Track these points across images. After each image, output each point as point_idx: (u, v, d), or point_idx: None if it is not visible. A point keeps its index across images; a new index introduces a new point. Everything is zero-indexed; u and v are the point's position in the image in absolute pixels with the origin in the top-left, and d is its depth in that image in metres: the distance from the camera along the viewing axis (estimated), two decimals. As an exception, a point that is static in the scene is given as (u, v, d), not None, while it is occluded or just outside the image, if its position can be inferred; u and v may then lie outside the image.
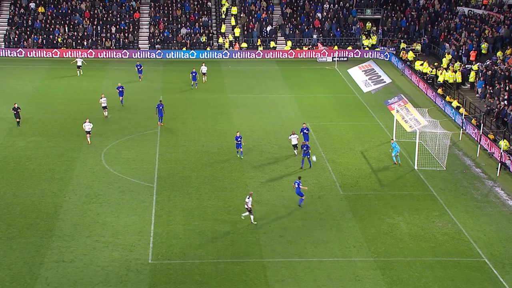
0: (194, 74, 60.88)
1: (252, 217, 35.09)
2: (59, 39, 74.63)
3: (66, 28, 76.15)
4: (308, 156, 42.45)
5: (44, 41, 74.62)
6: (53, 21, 76.72)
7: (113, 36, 75.58)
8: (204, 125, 51.09)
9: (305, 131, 44.98)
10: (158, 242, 33.05)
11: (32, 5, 78.19)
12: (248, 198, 35.02)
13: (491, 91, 54.06)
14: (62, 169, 42.09)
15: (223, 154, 44.92)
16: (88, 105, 54.83)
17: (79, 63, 65.15)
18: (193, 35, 76.27)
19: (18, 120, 49.18)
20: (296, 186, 37.04)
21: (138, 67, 63.51)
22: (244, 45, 75.76)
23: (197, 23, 77.68)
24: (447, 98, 56.37)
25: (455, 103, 54.42)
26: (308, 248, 32.80)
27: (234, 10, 79.83)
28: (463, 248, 33.12)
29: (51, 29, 75.86)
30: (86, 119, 46.76)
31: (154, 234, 33.89)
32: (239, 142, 43.84)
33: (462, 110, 51.98)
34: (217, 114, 53.71)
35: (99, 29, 76.38)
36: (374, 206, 37.51)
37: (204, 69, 63.20)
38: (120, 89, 55.02)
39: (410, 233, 34.53)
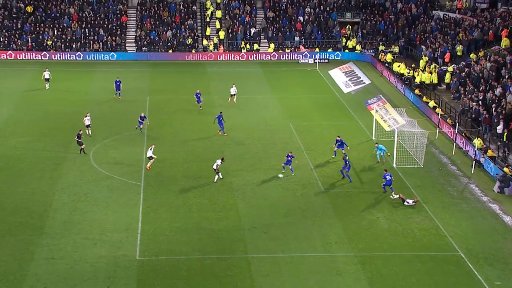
0: (118, 83, 56.50)
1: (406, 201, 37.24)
2: (48, 42, 73.98)
3: (55, 31, 75.54)
4: (348, 170, 40.54)
5: (34, 43, 73.91)
6: (42, 24, 76.00)
7: (101, 38, 75.04)
8: (190, 125, 50.79)
9: (338, 143, 43.59)
10: (145, 239, 32.79)
11: (21, 5, 77.08)
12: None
13: (465, 91, 54.24)
14: (51, 168, 41.66)
15: (208, 153, 44.62)
16: (78, 107, 54.38)
17: (47, 76, 60.30)
18: (178, 35, 75.76)
19: (82, 147, 43.62)
20: (389, 178, 38.26)
21: (117, 83, 57.30)
22: (244, 48, 75.28)
23: (182, 26, 77.32)
24: (424, 98, 56.52)
25: (431, 103, 54.58)
26: (291, 243, 32.67)
27: (219, 13, 79.54)
28: (440, 243, 33.18)
29: (40, 32, 75.19)
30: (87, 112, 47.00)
31: (141, 231, 33.62)
32: (289, 160, 40.83)
33: (438, 110, 52.14)
34: (203, 115, 53.41)
35: (87, 32, 75.80)
36: (354, 203, 37.48)
37: (233, 90, 56.58)
38: (118, 83, 56.70)
39: (389, 228, 34.55)
